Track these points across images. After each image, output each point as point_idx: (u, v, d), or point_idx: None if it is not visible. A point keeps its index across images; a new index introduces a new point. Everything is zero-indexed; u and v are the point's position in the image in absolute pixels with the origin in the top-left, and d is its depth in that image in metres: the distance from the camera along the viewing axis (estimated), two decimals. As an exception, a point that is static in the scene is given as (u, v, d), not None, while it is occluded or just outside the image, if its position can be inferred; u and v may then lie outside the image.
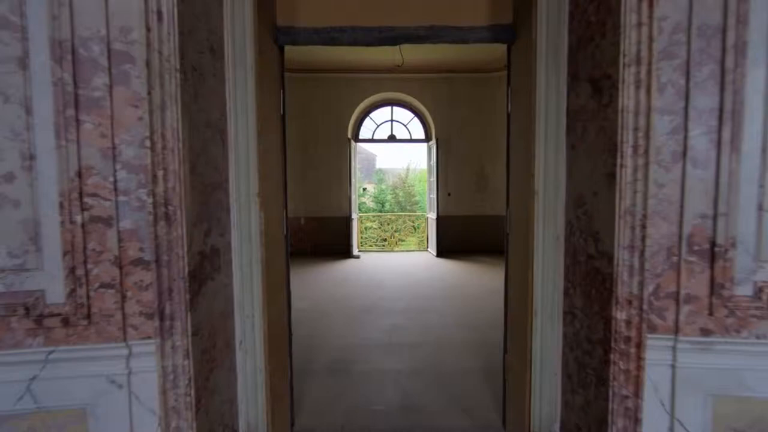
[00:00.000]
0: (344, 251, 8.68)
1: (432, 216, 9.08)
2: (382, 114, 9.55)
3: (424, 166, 14.63)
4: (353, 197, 8.97)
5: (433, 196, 8.99)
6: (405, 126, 9.58)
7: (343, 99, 8.71)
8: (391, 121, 9.53)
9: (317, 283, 6.26)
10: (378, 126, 9.62)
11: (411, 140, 9.72)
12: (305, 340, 3.82)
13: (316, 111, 8.56)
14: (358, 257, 8.75)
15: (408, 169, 21.31)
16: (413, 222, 11.47)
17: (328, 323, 4.39)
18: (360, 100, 8.87)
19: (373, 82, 8.70)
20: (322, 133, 8.67)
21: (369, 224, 11.33)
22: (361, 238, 10.44)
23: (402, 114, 9.54)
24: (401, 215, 12.15)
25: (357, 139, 9.34)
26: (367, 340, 3.94)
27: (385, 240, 10.95)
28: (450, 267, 7.59)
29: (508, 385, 2.38)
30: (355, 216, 9.11)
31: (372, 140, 9.91)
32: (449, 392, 2.90)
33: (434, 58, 7.60)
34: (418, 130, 9.55)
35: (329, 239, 8.74)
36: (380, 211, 17.33)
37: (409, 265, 7.83)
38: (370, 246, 10.75)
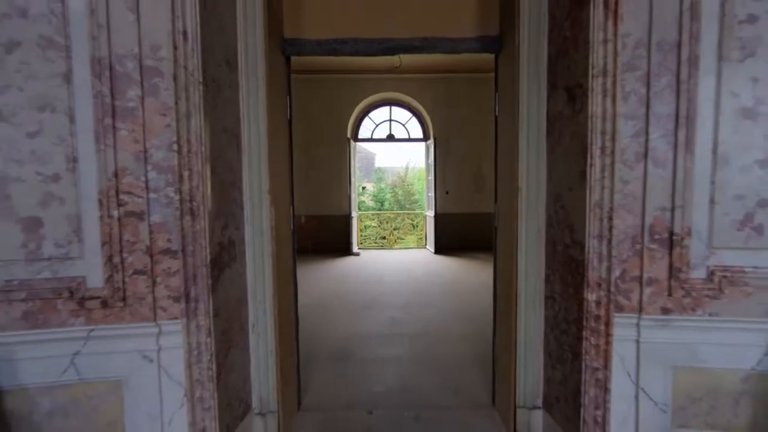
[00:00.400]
0: (344, 249, 8.90)
1: (430, 214, 9.30)
2: (380, 114, 9.76)
3: (422, 164, 14.82)
4: (353, 196, 9.19)
5: (432, 194, 9.20)
6: (403, 125, 9.78)
7: (343, 99, 8.91)
8: (390, 120, 9.73)
9: (318, 279, 6.47)
10: (377, 125, 9.82)
11: (409, 139, 9.93)
12: (309, 332, 4.03)
13: (316, 111, 8.76)
14: (358, 255, 8.97)
15: (407, 168, 21.51)
16: (412, 220, 11.69)
17: (330, 317, 4.60)
18: (359, 101, 9.07)
19: (372, 83, 8.91)
20: (323, 133, 8.87)
21: (368, 223, 11.54)
22: (361, 236, 10.64)
23: (400, 114, 9.74)
24: (400, 213, 12.36)
25: (356, 139, 9.54)
26: (368, 332, 4.15)
27: (384, 238, 11.17)
28: (448, 264, 7.81)
29: (497, 366, 2.59)
30: (354, 214, 9.32)
31: (371, 140, 10.11)
32: (445, 376, 3.12)
33: (432, 58, 7.79)
34: (416, 130, 9.76)
35: (330, 237, 8.94)
36: (379, 210, 17.50)
37: (407, 262, 8.05)
38: (370, 244, 10.97)
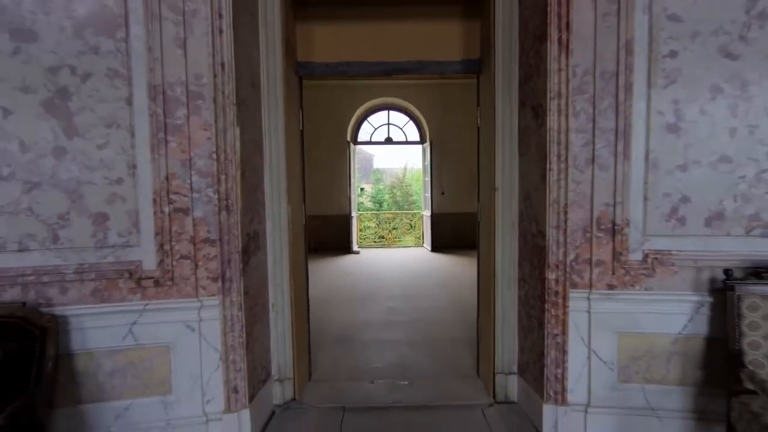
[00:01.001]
0: (345, 247, 9.30)
1: (427, 213, 9.72)
2: (379, 118, 10.17)
3: (420, 166, 15.21)
4: (353, 197, 9.60)
5: (428, 194, 9.62)
6: (401, 129, 10.20)
7: (343, 104, 9.31)
8: (388, 124, 10.15)
9: (321, 275, 6.86)
10: (375, 129, 10.24)
11: (407, 142, 10.35)
12: (314, 320, 4.38)
13: (318, 116, 9.16)
14: (357, 253, 9.37)
15: (405, 169, 21.92)
16: (410, 220, 12.10)
17: (334, 307, 5.00)
18: (359, 105, 9.48)
19: (371, 88, 9.30)
20: (324, 137, 9.26)
21: (367, 224, 11.92)
22: (361, 235, 11.05)
23: (398, 117, 10.15)
24: (398, 214, 12.78)
25: (356, 142, 9.95)
26: (368, 320, 4.55)
27: (382, 237, 11.58)
28: (443, 260, 8.22)
29: (480, 341, 3.00)
30: (354, 214, 9.74)
31: (370, 143, 10.53)
32: (436, 354, 3.53)
33: (427, 67, 8.22)
34: (413, 133, 10.18)
35: (330, 236, 9.33)
36: (378, 210, 17.88)
37: (405, 259, 8.46)
38: (369, 242, 11.37)
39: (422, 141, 9.94)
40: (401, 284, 6.23)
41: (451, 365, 3.29)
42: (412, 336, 3.99)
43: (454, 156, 9.35)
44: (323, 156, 9.28)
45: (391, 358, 3.48)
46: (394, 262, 8.22)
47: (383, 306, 5.08)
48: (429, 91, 9.32)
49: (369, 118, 10.05)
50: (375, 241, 11.50)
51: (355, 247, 9.52)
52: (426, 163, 9.67)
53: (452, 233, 9.32)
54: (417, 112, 9.63)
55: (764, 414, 1.68)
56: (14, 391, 1.75)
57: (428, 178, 9.55)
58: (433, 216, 9.40)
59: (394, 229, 11.76)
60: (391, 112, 10.00)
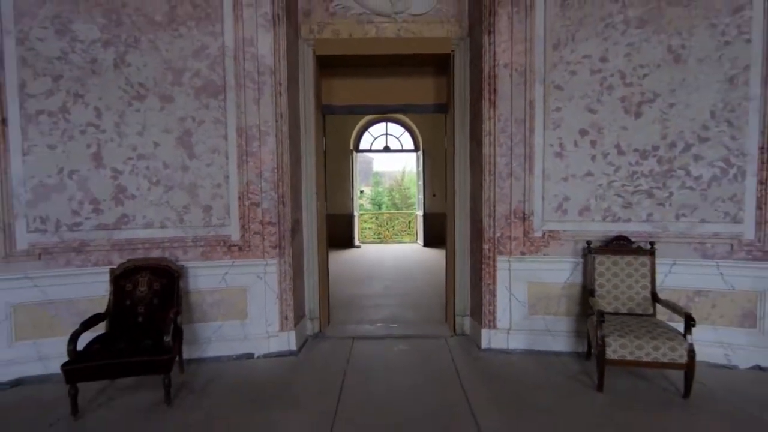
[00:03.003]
0: (348, 242, 10.61)
1: (420, 213, 11.04)
2: (378, 128, 11.49)
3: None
4: (355, 198, 10.91)
5: (421, 196, 10.94)
6: (397, 138, 11.52)
7: (348, 119, 10.62)
8: (386, 134, 11.47)
9: (329, 263, 8.15)
10: (375, 138, 11.55)
11: (402, 150, 11.67)
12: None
13: (328, 131, 10.46)
14: (359, 247, 10.68)
15: (404, 172, 23.20)
16: (407, 219, 13.39)
17: (342, 285, 6.28)
18: (360, 118, 10.78)
19: (371, 103, 10.66)
20: (331, 147, 10.45)
21: (367, 225, 13.17)
22: (361, 233, 12.33)
23: (395, 128, 11.48)
24: (395, 214, 14.07)
25: (358, 150, 11.27)
26: (369, 293, 5.83)
27: (381, 234, 12.87)
28: (432, 253, 9.51)
29: (446, 296, 4.29)
30: (356, 213, 11.05)
31: (370, 150, 11.85)
32: (418, 311, 4.81)
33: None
34: (408, 142, 11.50)
35: (335, 232, 10.60)
36: (378, 211, 19.13)
37: (400, 252, 9.75)
38: (369, 238, 12.66)
39: (416, 149, 11.25)
40: (395, 270, 7.53)
41: (428, 317, 4.60)
42: (402, 301, 5.30)
43: (444, 163, 10.61)
44: (330, 163, 10.53)
45: (386, 313, 4.78)
46: (391, 254, 9.52)
47: (381, 284, 6.38)
48: (422, 106, 10.58)
49: (369, 129, 11.35)
50: (374, 238, 12.78)
51: (356, 242, 10.83)
52: (419, 168, 10.99)
53: (442, 230, 10.59)
54: (412, 124, 10.94)
55: (599, 330, 2.99)
56: (169, 305, 3.05)
57: (421, 182, 10.87)
58: (425, 215, 10.71)
59: (391, 227, 13.04)
60: (390, 123, 11.30)
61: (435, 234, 10.53)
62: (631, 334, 2.79)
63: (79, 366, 2.55)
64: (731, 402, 2.73)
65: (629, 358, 2.76)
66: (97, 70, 3.13)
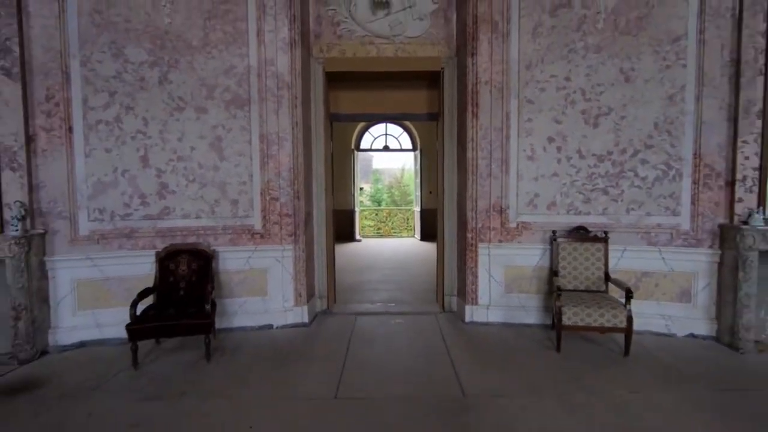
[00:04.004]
0: (349, 237, 11.25)
1: (417, 209, 11.68)
2: (378, 128, 12.10)
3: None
4: (356, 195, 11.55)
5: (418, 193, 11.57)
6: (396, 138, 12.14)
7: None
8: (386, 134, 12.09)
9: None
10: (375, 138, 12.17)
11: (401, 150, 12.29)
12: (332, 278, 6.35)
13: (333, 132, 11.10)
14: (359, 241, 11.32)
15: (403, 170, 23.81)
16: (405, 215, 14.02)
17: (345, 273, 6.91)
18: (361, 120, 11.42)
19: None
20: (334, 147, 11.18)
21: (367, 222, 13.79)
22: (362, 228, 12.97)
23: (394, 129, 12.10)
24: (393, 210, 14.70)
25: (359, 149, 11.90)
26: (369, 279, 6.47)
27: (380, 229, 13.51)
28: (428, 247, 10.14)
29: (437, 279, 4.93)
30: (357, 209, 11.70)
31: (371, 150, 12.47)
32: (413, 294, 5.46)
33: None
34: (407, 142, 12.12)
35: (337, 227, 11.23)
36: (377, 207, 19.75)
37: (398, 246, 10.39)
38: (369, 233, 13.31)
39: (414, 148, 11.88)
40: (393, 261, 8.19)
41: (421, 298, 5.25)
42: (399, 287, 5.95)
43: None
44: (334, 162, 11.16)
45: (384, 296, 5.43)
46: (389, 248, 10.17)
47: (380, 273, 7.03)
48: (420, 108, 11.20)
49: (370, 129, 11.96)
50: (374, 233, 13.43)
51: (357, 237, 11.48)
52: (417, 167, 11.62)
53: (437, 225, 11.24)
54: (410, 125, 11.55)
55: (557, 302, 3.64)
56: (205, 281, 3.69)
57: (418, 180, 11.50)
58: (422, 211, 11.35)
59: (390, 223, 13.68)
60: (389, 124, 11.91)
61: (431, 229, 11.10)
62: (583, 305, 3.44)
63: (140, 326, 3.20)
64: (661, 359, 3.39)
65: (580, 323, 3.42)
66: (144, 87, 3.76)
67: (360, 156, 12.24)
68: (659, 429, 2.45)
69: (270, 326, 4.12)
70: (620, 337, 3.54)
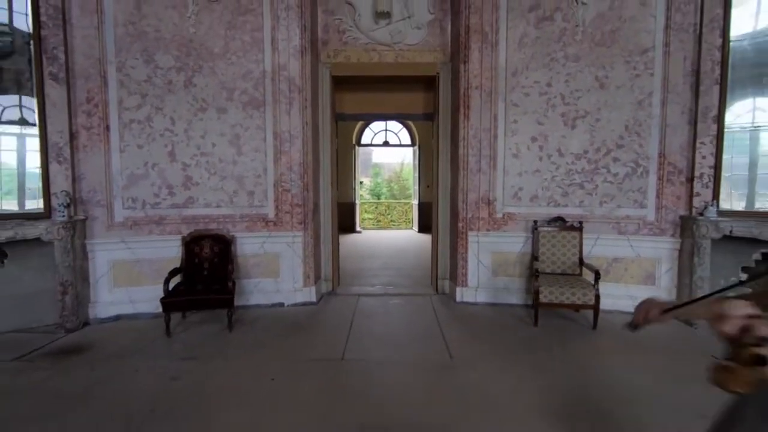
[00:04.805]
0: (350, 228, 11.73)
1: (415, 202, 12.16)
2: (379, 124, 12.55)
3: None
4: (356, 188, 12.02)
5: (416, 187, 12.05)
6: (396, 134, 12.59)
7: (350, 115, 11.69)
8: (386, 130, 12.53)
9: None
10: (375, 134, 12.62)
11: (400, 145, 12.74)
12: (335, 265, 6.85)
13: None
14: (360, 232, 11.81)
15: (402, 164, 24.23)
16: (404, 208, 14.50)
17: (347, 261, 7.40)
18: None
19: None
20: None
21: (367, 215, 14.26)
22: (362, 222, 13.45)
23: (394, 125, 12.54)
24: (393, 202, 15.18)
25: (359, 144, 12.34)
26: (370, 267, 6.97)
27: (380, 221, 14.00)
28: (425, 238, 10.61)
29: (431, 265, 5.43)
30: (357, 202, 12.18)
31: (371, 145, 12.92)
32: (411, 280, 5.96)
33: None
34: (406, 137, 12.56)
35: (339, 219, 11.73)
36: (377, 200, 20.20)
37: (396, 237, 10.89)
38: (369, 225, 13.80)
39: (413, 144, 12.33)
40: (392, 251, 8.69)
41: (417, 282, 5.76)
42: (397, 273, 6.46)
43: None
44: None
45: (384, 280, 5.94)
46: (388, 239, 10.67)
47: (379, 261, 7.53)
48: (419, 105, 11.63)
49: (370, 125, 12.40)
50: (374, 225, 13.92)
51: (358, 228, 11.96)
52: (415, 162, 12.08)
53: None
54: (409, 121, 11.98)
55: (536, 282, 4.14)
56: (226, 263, 4.19)
57: (417, 174, 11.97)
58: (420, 204, 11.83)
59: (389, 215, 14.17)
60: (389, 120, 12.34)
61: (428, 221, 11.57)
62: (558, 285, 3.94)
63: (173, 300, 3.69)
64: (619, 333, 3.89)
65: (555, 301, 3.92)
66: (172, 90, 4.22)
67: (360, 150, 12.69)
68: (610, 382, 2.96)
69: (281, 304, 4.62)
70: (591, 315, 4.04)
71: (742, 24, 3.95)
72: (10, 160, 4.02)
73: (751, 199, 4.14)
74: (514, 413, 2.59)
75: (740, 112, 4.14)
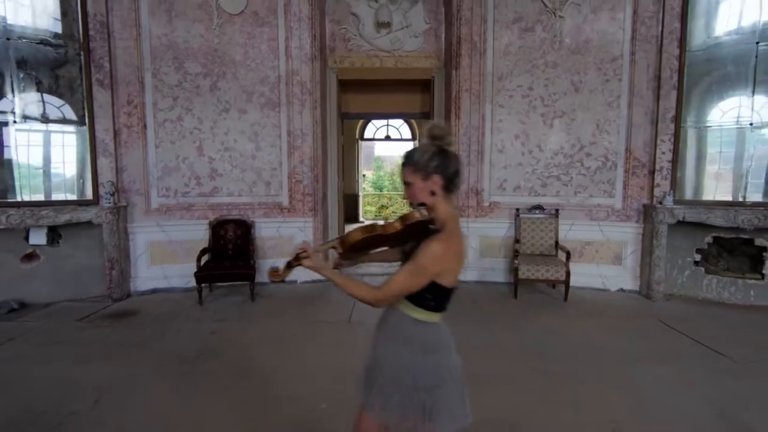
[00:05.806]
0: (353, 218, 12.37)
1: (416, 194, 12.77)
2: (381, 120, 13.12)
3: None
4: (359, 180, 12.64)
5: (417, 180, 12.64)
6: (397, 129, 13.15)
7: (353, 110, 12.27)
8: (387, 125, 13.10)
9: (339, 233, 9.94)
10: (377, 129, 13.19)
11: (401, 139, 13.31)
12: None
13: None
14: (363, 222, 12.47)
15: (403, 158, 24.78)
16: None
17: (350, 248, 8.07)
18: (365, 111, 12.44)
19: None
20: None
21: (369, 208, 14.86)
22: (365, 213, 14.08)
23: (395, 120, 13.11)
24: (395, 195, 15.79)
25: (362, 139, 12.93)
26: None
27: (381, 213, 14.64)
28: (426, 228, 11.28)
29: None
30: (360, 194, 12.81)
31: (373, 139, 13.50)
32: (409, 264, 6.59)
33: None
34: (407, 132, 13.14)
35: (344, 209, 12.39)
36: (379, 192, 20.80)
37: (398, 227, 11.53)
38: (372, 215, 14.43)
39: (414, 138, 12.90)
40: (393, 238, 9.34)
41: (415, 265, 6.40)
42: (397, 257, 7.11)
43: (437, 151, 12.30)
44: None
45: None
46: (390, 228, 11.31)
47: (381, 247, 8.18)
48: (419, 101, 12.19)
49: (373, 120, 12.96)
50: (376, 216, 14.55)
51: (361, 219, 12.60)
52: (416, 155, 12.66)
53: (434, 209, 12.34)
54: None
55: (516, 261, 4.77)
56: (247, 244, 4.83)
57: (417, 167, 12.56)
58: (420, 196, 12.44)
59: (391, 207, 14.80)
60: (389, 119, 12.89)
61: (428, 212, 12.25)
62: (534, 263, 4.57)
63: (205, 273, 4.35)
64: (591, 304, 4.53)
65: (532, 277, 4.54)
66: (199, 93, 4.84)
67: (363, 144, 13.27)
68: (570, 339, 3.60)
69: (295, 282, 5.27)
70: (562, 288, 4.67)
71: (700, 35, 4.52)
72: (62, 155, 4.65)
73: (700, 189, 4.73)
74: (486, 355, 3.23)
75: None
